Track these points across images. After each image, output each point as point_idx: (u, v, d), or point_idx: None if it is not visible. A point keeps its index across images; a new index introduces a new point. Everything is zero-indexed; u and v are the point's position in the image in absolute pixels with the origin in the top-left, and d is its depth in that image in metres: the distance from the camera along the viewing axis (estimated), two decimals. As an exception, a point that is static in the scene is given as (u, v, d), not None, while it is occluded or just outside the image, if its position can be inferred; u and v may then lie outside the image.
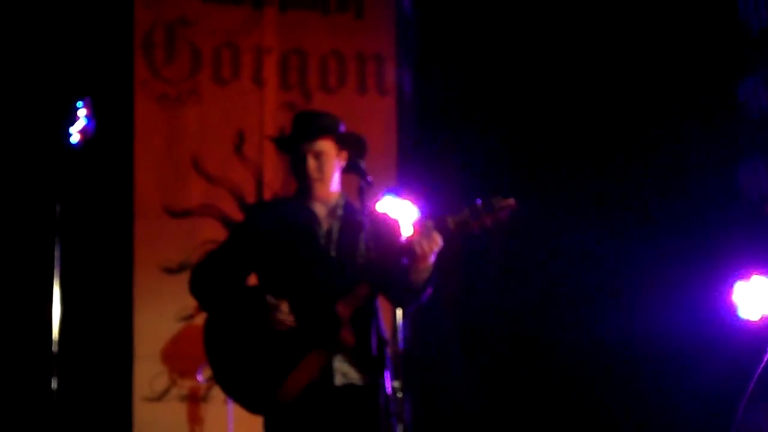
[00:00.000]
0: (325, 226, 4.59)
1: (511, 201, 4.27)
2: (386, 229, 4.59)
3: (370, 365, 4.28)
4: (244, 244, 4.66)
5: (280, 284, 4.52)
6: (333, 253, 4.53)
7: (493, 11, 8.02)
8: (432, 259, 4.30)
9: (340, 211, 4.61)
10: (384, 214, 4.75)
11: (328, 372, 4.40)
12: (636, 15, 7.75)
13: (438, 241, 4.28)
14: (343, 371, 4.44)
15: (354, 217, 4.55)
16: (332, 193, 4.63)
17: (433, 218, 4.30)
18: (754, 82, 7.45)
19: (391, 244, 4.47)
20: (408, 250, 4.28)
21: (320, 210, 4.62)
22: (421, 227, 4.28)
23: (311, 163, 4.57)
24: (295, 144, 4.61)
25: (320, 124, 4.61)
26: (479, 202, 4.27)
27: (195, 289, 4.66)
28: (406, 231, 4.57)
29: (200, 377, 7.04)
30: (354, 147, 4.65)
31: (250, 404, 4.51)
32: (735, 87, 7.55)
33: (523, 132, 7.94)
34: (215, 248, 4.91)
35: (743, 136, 7.51)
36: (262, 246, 4.59)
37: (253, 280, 4.79)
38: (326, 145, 4.59)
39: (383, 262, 4.38)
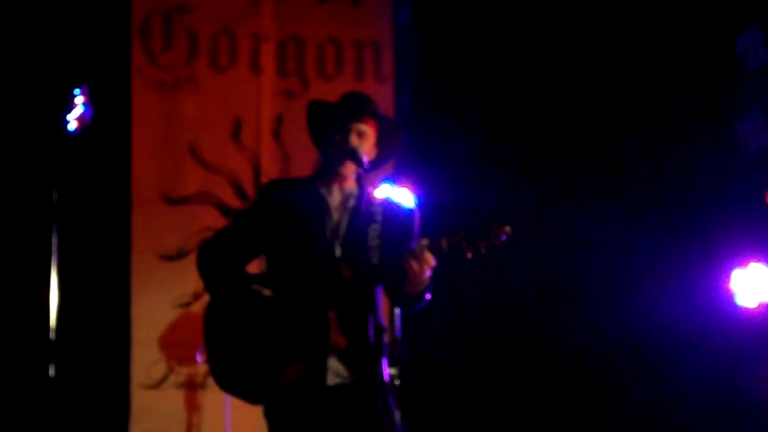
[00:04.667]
0: (335, 217, 4.55)
1: (507, 228, 4.23)
2: (399, 220, 4.58)
3: (365, 354, 4.26)
4: (252, 226, 4.63)
5: (282, 272, 4.50)
6: (337, 251, 4.49)
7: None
8: (425, 276, 4.29)
9: (352, 202, 4.56)
10: (398, 204, 4.72)
11: (321, 371, 4.38)
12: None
13: (430, 261, 4.24)
14: (337, 371, 4.42)
15: (366, 208, 4.51)
16: (352, 180, 4.59)
17: (428, 238, 4.27)
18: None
19: (400, 240, 4.47)
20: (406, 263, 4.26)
21: (334, 198, 4.57)
22: (414, 247, 4.26)
23: (354, 139, 4.53)
24: (342, 119, 4.55)
25: (371, 106, 4.59)
26: (475, 226, 4.24)
27: (200, 268, 4.65)
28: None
29: (199, 358, 7.02)
30: (388, 143, 4.63)
31: (242, 392, 4.50)
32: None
33: (522, 120, 7.94)
34: (225, 226, 4.90)
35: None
36: (269, 229, 4.56)
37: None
38: (371, 129, 4.57)
39: (387, 263, 4.37)
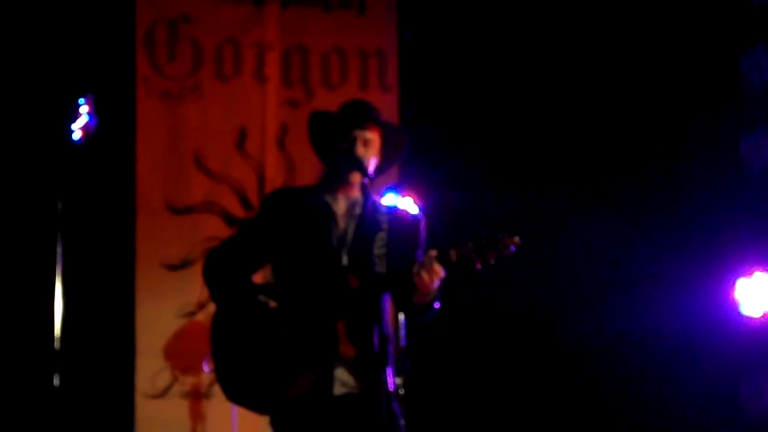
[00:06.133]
0: (341, 225, 4.54)
1: (516, 239, 4.24)
2: (405, 227, 4.58)
3: (372, 364, 4.26)
4: (258, 235, 4.63)
5: (289, 282, 4.50)
6: (344, 259, 4.49)
7: (497, 6, 8.02)
8: (434, 286, 4.29)
9: (358, 210, 4.56)
10: (403, 211, 4.72)
11: (328, 381, 4.38)
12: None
13: (439, 272, 4.24)
14: (343, 380, 4.41)
15: (371, 216, 4.51)
16: (357, 188, 4.59)
17: (436, 249, 4.27)
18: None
19: (406, 247, 4.48)
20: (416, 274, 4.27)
21: (340, 206, 4.56)
22: (423, 258, 4.27)
23: (360, 148, 4.54)
24: (346, 128, 4.54)
25: (374, 113, 4.59)
26: (484, 237, 4.24)
27: (206, 278, 4.64)
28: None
29: (206, 368, 7.02)
30: (392, 148, 4.63)
31: (249, 402, 4.51)
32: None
33: (528, 129, 7.94)
34: (231, 236, 4.90)
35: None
36: (275, 239, 4.56)
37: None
38: (375, 136, 4.57)
39: (394, 271, 4.37)
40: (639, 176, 7.78)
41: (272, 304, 4.46)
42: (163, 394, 7.50)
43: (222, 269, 4.59)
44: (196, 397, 7.49)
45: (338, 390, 4.39)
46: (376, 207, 4.56)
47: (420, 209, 6.90)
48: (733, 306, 7.13)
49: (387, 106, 7.86)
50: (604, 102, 7.87)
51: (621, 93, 7.84)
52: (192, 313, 7.56)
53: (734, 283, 7.12)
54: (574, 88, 7.90)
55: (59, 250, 6.70)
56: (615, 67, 7.84)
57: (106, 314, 7.40)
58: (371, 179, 4.47)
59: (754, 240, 7.23)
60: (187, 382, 7.51)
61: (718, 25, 7.49)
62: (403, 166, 7.39)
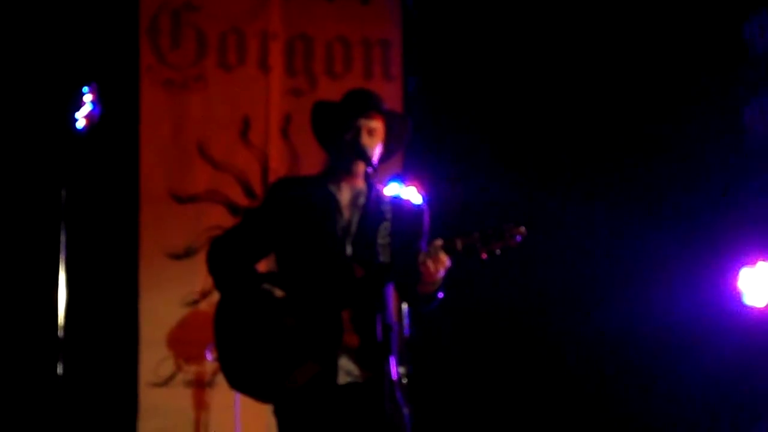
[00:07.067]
0: (345, 215, 4.55)
1: (522, 229, 4.24)
2: (409, 217, 4.59)
3: (375, 353, 4.27)
4: (262, 224, 4.63)
5: (294, 271, 4.51)
6: (348, 249, 4.49)
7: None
8: (439, 276, 4.29)
9: (362, 200, 4.56)
10: (407, 201, 4.73)
11: (332, 370, 4.39)
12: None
13: (445, 261, 4.26)
14: (347, 369, 4.43)
15: (375, 206, 4.51)
16: (361, 178, 4.60)
17: (442, 238, 4.28)
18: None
19: (410, 237, 4.48)
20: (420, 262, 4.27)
21: (344, 196, 4.57)
22: (429, 247, 4.27)
23: (365, 138, 4.55)
24: (351, 117, 4.55)
25: (377, 102, 4.59)
26: (490, 227, 4.25)
27: (210, 266, 4.65)
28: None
29: (209, 356, 7.01)
30: (396, 136, 4.63)
31: (252, 390, 4.51)
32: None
33: (531, 119, 7.94)
34: (235, 224, 4.89)
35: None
36: (280, 228, 4.57)
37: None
38: (380, 125, 4.57)
39: (398, 261, 4.37)
40: (643, 167, 7.77)
41: (276, 292, 4.47)
42: (166, 382, 7.51)
43: (226, 258, 4.60)
44: (200, 385, 7.50)
45: (342, 379, 4.40)
46: (380, 197, 4.56)
47: (423, 199, 6.91)
48: (737, 296, 7.13)
49: (391, 95, 7.87)
50: (605, 96, 7.87)
51: (621, 79, 7.85)
52: (195, 302, 7.57)
53: (737, 273, 7.13)
54: (578, 77, 7.90)
55: (63, 238, 6.69)
56: (618, 49, 7.84)
57: (110, 303, 7.42)
58: (375, 169, 4.47)
59: (758, 230, 7.23)
60: (191, 370, 7.51)
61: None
62: (406, 156, 7.40)
